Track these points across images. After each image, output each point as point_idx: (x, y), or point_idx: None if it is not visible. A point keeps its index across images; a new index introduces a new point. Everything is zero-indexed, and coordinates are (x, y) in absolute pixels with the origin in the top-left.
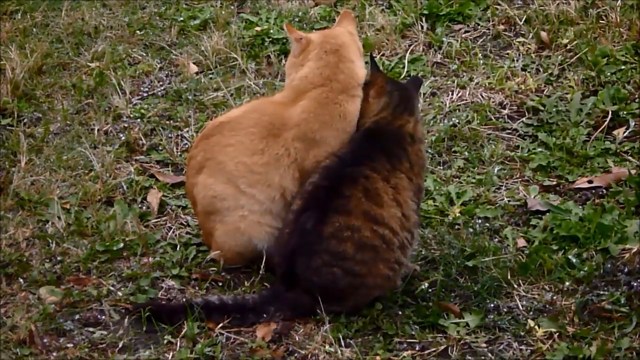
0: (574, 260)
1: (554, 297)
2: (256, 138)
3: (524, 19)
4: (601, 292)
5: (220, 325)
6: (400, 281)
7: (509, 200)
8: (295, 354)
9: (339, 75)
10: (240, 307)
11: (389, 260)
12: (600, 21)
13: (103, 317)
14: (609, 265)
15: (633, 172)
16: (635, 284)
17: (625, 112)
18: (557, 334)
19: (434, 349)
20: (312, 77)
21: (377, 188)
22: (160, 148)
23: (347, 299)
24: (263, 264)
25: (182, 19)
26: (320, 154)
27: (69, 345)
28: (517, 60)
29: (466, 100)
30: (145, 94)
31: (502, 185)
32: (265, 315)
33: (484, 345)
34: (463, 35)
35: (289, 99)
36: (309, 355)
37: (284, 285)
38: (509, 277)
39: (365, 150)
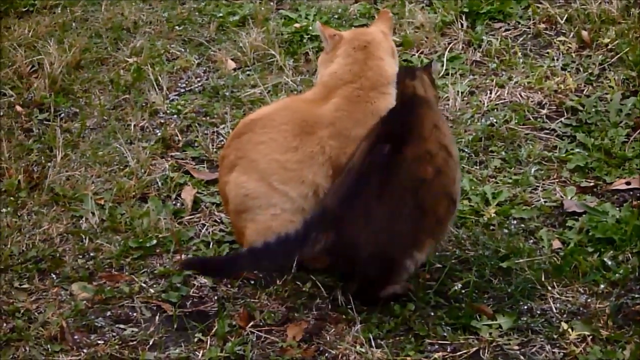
0: (610, 262)
1: (588, 300)
2: (289, 135)
3: (565, 18)
4: (636, 296)
5: (252, 323)
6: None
7: (545, 201)
8: (326, 354)
9: (367, 72)
10: (284, 241)
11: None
12: None
13: (134, 314)
14: None
15: None
16: None
17: None
18: (591, 337)
19: (465, 351)
20: (340, 73)
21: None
22: (196, 144)
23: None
24: (295, 262)
25: (221, 14)
26: None
27: (99, 342)
28: (557, 60)
29: (505, 99)
30: (182, 90)
31: (538, 186)
32: (309, 241)
33: (517, 347)
34: (503, 34)
35: (320, 96)
36: (340, 356)
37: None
38: (543, 279)
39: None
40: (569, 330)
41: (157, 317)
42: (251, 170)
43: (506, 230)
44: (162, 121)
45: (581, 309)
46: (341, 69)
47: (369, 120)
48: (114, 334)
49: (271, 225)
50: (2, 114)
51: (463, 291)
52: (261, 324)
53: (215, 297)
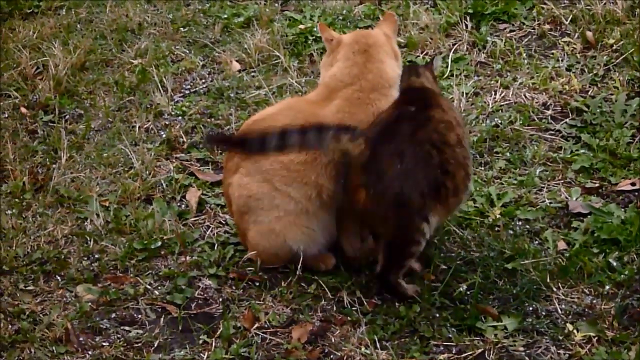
0: (615, 263)
1: (594, 301)
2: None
3: (569, 19)
4: None
5: (257, 325)
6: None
7: (550, 202)
8: (331, 356)
9: (367, 74)
10: (320, 125)
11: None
12: None
13: (139, 316)
14: None
15: None
16: None
17: None
18: (596, 338)
19: (471, 353)
20: (340, 75)
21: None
22: (200, 146)
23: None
24: (300, 264)
25: (226, 16)
26: None
27: (104, 343)
28: (562, 61)
29: (509, 100)
30: (187, 92)
31: (543, 187)
32: (347, 132)
33: (522, 349)
34: (508, 35)
35: (322, 97)
36: (345, 357)
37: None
38: (548, 280)
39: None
40: (575, 331)
41: (162, 319)
42: (255, 171)
43: (511, 232)
44: (167, 123)
45: (586, 310)
46: (340, 72)
47: (371, 121)
48: (119, 335)
49: (274, 228)
50: (7, 115)
51: (468, 292)
52: (266, 325)
53: (220, 299)
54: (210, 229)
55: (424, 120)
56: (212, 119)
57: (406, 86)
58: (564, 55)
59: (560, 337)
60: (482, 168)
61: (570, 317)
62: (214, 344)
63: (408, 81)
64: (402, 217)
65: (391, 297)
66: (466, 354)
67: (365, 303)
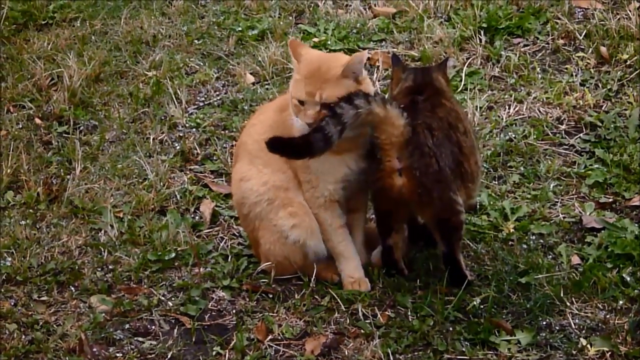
0: (629, 278)
1: (607, 316)
2: (273, 117)
3: (583, 34)
4: None
5: (270, 337)
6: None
7: (564, 217)
8: None
9: None
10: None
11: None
12: None
13: (153, 327)
14: None
15: None
16: None
17: None
18: (610, 353)
19: None
20: None
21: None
22: (214, 158)
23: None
24: (314, 276)
25: (240, 29)
26: None
27: (118, 354)
28: (576, 75)
29: (523, 114)
30: (201, 104)
31: (557, 202)
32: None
33: None
34: (522, 49)
35: None
36: None
37: None
38: (562, 294)
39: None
40: (588, 346)
41: (175, 330)
42: (244, 154)
43: (525, 246)
44: (181, 134)
45: (600, 324)
46: None
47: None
48: (133, 346)
49: (272, 219)
50: (21, 126)
51: (482, 306)
52: (279, 337)
53: (234, 311)
54: (224, 241)
55: (438, 103)
56: (226, 131)
57: (419, 84)
58: (578, 70)
59: (574, 352)
60: (496, 182)
61: (583, 331)
62: (227, 355)
63: (415, 80)
64: (443, 190)
65: (454, 283)
66: None
67: (379, 316)
